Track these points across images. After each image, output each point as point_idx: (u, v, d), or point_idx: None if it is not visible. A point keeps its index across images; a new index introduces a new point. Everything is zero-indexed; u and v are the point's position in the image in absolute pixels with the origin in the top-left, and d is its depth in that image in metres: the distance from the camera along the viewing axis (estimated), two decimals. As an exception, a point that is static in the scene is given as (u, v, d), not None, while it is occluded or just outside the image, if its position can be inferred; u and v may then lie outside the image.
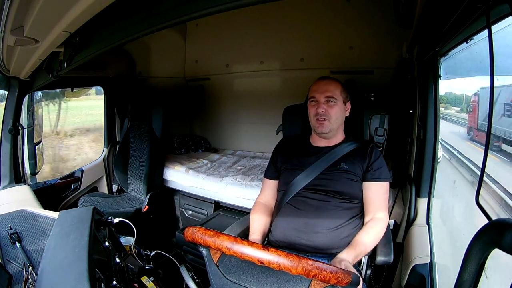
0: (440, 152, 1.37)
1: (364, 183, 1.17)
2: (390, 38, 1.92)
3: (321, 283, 0.82)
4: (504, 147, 0.90)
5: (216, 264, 0.95)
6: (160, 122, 2.22)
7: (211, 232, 0.76)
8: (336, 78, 1.27)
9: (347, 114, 1.26)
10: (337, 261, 0.95)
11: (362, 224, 1.18)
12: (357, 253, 1.01)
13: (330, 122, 1.20)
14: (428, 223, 1.32)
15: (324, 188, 1.17)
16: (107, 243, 1.01)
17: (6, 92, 1.74)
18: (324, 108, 1.19)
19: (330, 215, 1.14)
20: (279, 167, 1.31)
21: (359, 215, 1.18)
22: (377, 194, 1.15)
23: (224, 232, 0.81)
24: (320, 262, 0.70)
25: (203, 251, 0.93)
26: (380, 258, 1.06)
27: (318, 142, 1.28)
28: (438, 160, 1.34)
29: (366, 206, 1.16)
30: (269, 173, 1.35)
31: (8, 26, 0.85)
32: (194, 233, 0.78)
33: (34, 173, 2.00)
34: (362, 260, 1.20)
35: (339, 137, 1.27)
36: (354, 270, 0.87)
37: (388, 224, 1.16)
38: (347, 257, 0.97)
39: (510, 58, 0.78)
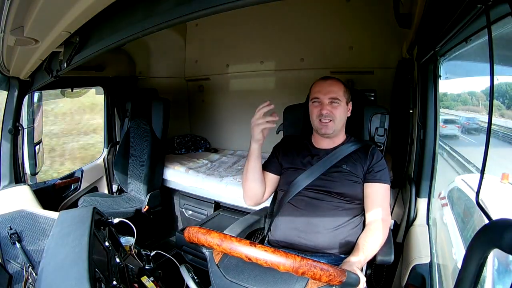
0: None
1: (365, 184, 1.17)
2: (390, 38, 1.92)
3: (317, 283, 0.82)
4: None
5: (217, 264, 0.96)
6: (160, 122, 2.22)
7: (204, 230, 0.77)
8: (337, 78, 1.26)
9: (349, 115, 1.26)
10: (346, 264, 0.93)
11: (362, 224, 1.18)
12: (366, 256, 0.99)
13: (335, 123, 1.19)
14: (428, 223, 1.32)
15: (326, 189, 1.17)
16: (107, 243, 1.01)
17: (6, 92, 1.74)
18: (328, 110, 1.18)
19: (330, 215, 1.14)
20: (281, 164, 1.30)
21: (359, 215, 1.18)
22: (379, 195, 1.14)
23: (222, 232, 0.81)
24: (309, 259, 0.69)
25: (206, 252, 0.93)
26: (380, 258, 1.05)
27: (320, 142, 1.27)
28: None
29: (368, 207, 1.15)
30: (269, 166, 1.32)
31: (8, 26, 0.85)
32: (190, 232, 0.79)
33: (34, 173, 2.00)
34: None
35: (340, 137, 1.27)
36: (360, 273, 0.86)
37: None
38: (356, 260, 0.95)
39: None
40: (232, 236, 0.73)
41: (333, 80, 1.22)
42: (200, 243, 0.77)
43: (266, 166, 1.33)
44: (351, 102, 1.26)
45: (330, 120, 1.18)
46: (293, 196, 1.20)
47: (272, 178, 1.31)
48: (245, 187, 1.27)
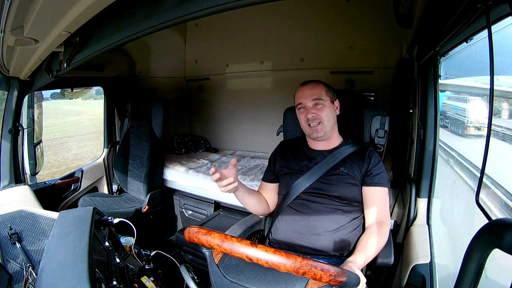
0: None
1: (364, 187, 1.16)
2: (390, 38, 1.92)
3: (318, 283, 0.81)
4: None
5: (217, 264, 0.96)
6: (160, 122, 2.22)
7: (204, 231, 0.77)
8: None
9: (338, 113, 1.25)
10: (347, 264, 0.92)
11: (361, 226, 1.18)
12: (366, 257, 0.99)
13: (323, 125, 1.18)
14: (428, 223, 1.32)
15: (324, 192, 1.16)
16: (107, 243, 1.01)
17: (6, 92, 1.74)
18: (313, 113, 1.17)
19: (330, 218, 1.14)
20: (277, 171, 1.31)
21: (358, 217, 1.18)
22: (378, 199, 1.14)
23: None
24: (310, 259, 0.68)
25: (206, 252, 0.93)
26: (380, 260, 1.05)
27: (316, 145, 1.27)
28: None
29: (368, 210, 1.15)
30: (266, 176, 1.35)
31: (8, 26, 0.85)
32: (190, 232, 0.79)
33: (34, 173, 2.00)
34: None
35: (335, 138, 1.26)
36: (360, 273, 0.85)
37: None
38: (357, 260, 0.95)
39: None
40: (233, 237, 0.73)
41: (313, 83, 1.22)
42: (201, 243, 0.77)
43: (266, 178, 1.36)
44: (337, 100, 1.25)
45: (319, 123, 1.18)
46: (292, 199, 1.20)
47: (273, 187, 1.33)
48: (250, 211, 1.31)
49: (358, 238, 1.11)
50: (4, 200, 1.61)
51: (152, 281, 1.01)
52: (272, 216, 1.32)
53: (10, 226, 1.10)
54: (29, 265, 0.89)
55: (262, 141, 2.64)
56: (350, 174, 1.17)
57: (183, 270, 0.92)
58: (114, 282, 0.82)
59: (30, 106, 1.95)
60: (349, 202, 1.15)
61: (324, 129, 1.19)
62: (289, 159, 1.28)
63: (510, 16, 0.58)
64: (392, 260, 1.06)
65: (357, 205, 1.17)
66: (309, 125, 1.19)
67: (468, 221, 1.01)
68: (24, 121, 1.89)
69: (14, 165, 1.80)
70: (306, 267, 0.67)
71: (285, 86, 2.44)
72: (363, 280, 0.82)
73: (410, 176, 1.49)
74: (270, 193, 1.32)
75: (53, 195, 2.11)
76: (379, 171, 1.16)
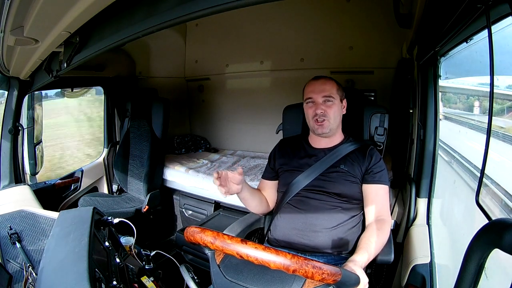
0: None
1: (364, 185, 1.16)
2: (390, 38, 1.92)
3: (315, 282, 0.81)
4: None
5: (218, 265, 0.96)
6: (160, 122, 2.22)
7: (199, 229, 0.77)
8: (334, 78, 1.26)
9: (344, 112, 1.25)
10: (349, 263, 0.91)
11: (361, 224, 1.18)
12: (369, 255, 0.98)
13: (330, 122, 1.19)
14: (428, 223, 1.32)
15: (324, 189, 1.16)
16: (107, 243, 1.01)
17: (6, 92, 1.75)
18: (322, 109, 1.17)
19: (329, 215, 1.14)
20: (277, 168, 1.31)
21: (357, 215, 1.18)
22: (379, 196, 1.14)
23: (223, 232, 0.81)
24: (301, 257, 0.67)
25: (208, 253, 0.93)
26: (380, 258, 1.05)
27: (317, 142, 1.27)
28: None
29: (368, 208, 1.14)
30: (266, 174, 1.35)
31: (8, 26, 0.85)
32: (188, 232, 0.79)
33: (34, 173, 2.00)
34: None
35: (338, 136, 1.26)
36: (362, 273, 0.85)
37: None
38: (359, 259, 0.93)
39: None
40: (225, 234, 0.73)
41: (325, 79, 1.21)
42: (197, 242, 0.78)
43: (265, 175, 1.36)
44: (345, 99, 1.25)
45: (325, 120, 1.18)
46: (292, 196, 1.20)
47: (273, 185, 1.33)
48: (251, 211, 1.31)
49: (358, 236, 1.11)
50: (4, 200, 1.61)
51: (152, 281, 1.01)
52: (272, 214, 1.32)
53: (10, 226, 1.10)
54: (29, 265, 0.89)
55: (262, 141, 2.64)
56: (350, 171, 1.17)
57: (183, 270, 0.92)
58: (114, 282, 0.82)
59: (30, 106, 1.95)
60: (349, 200, 1.16)
61: (329, 126, 1.19)
62: (289, 156, 1.28)
63: (510, 16, 0.58)
64: (392, 257, 1.05)
65: (357, 202, 1.17)
66: (316, 120, 1.19)
67: (468, 220, 1.03)
68: (24, 121, 1.89)
69: (14, 165, 1.80)
70: (296, 264, 0.65)
71: (285, 86, 2.44)
72: (365, 280, 0.81)
73: (410, 176, 1.49)
74: (270, 190, 1.32)
75: (53, 195, 2.11)
76: (380, 169, 1.17)
